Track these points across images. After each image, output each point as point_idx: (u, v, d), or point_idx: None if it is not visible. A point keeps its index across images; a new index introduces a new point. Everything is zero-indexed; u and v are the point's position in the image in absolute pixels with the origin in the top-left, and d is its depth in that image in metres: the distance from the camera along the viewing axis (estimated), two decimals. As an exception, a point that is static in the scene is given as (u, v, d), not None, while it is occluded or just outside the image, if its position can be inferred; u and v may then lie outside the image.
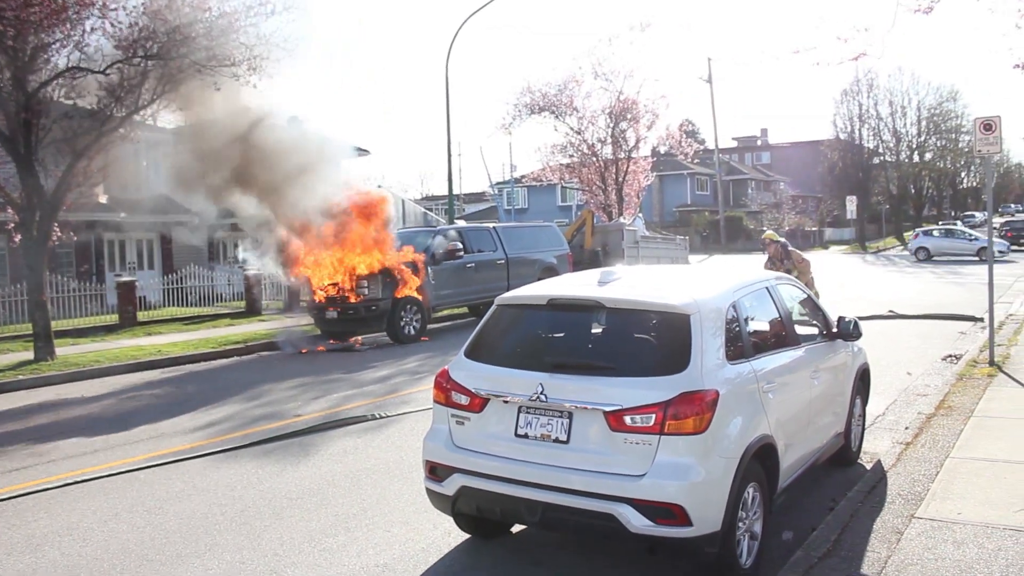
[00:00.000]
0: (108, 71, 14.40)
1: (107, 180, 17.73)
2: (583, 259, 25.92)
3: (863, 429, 8.11)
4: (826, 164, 68.06)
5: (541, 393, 5.04)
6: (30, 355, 15.89)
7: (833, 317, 7.25)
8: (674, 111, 56.81)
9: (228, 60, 14.80)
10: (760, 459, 5.22)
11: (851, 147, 67.21)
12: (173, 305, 24.67)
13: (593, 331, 5.53)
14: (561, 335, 5.75)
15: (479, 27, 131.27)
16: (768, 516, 5.43)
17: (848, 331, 7.10)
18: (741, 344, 5.42)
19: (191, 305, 24.94)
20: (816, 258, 48.46)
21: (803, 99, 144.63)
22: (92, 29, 13.54)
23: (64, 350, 16.62)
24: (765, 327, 6.10)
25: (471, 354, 5.72)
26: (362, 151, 39.89)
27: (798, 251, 12.88)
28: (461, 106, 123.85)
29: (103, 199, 26.62)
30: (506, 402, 5.24)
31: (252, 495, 7.34)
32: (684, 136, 37.01)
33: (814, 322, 7.12)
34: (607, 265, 24.23)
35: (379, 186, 46.91)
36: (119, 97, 14.77)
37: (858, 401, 7.71)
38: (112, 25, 13.60)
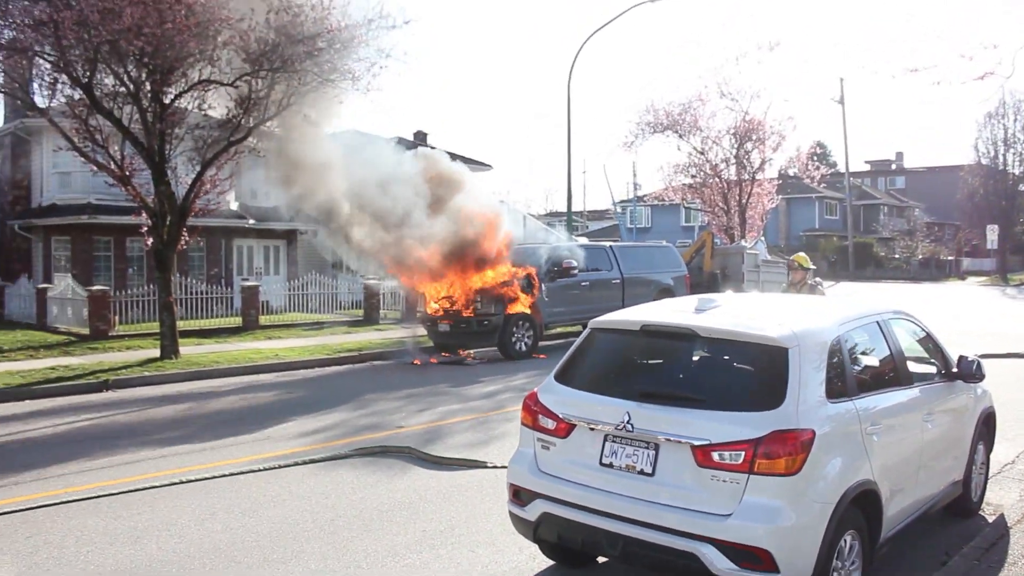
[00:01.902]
0: (236, 83, 15.02)
1: (237, 188, 18.48)
2: (701, 281, 25.36)
3: (986, 478, 7.54)
4: (966, 190, 64.78)
5: (628, 422, 4.88)
6: (157, 353, 16.67)
7: (954, 356, 6.79)
8: (803, 132, 55.41)
9: (350, 73, 15.24)
10: (860, 505, 4.90)
11: (994, 173, 63.80)
12: (295, 311, 25.48)
13: (686, 360, 5.34)
14: (652, 363, 5.58)
15: (606, 41, 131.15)
16: (868, 567, 5.08)
17: (969, 372, 6.61)
18: (844, 382, 5.11)
19: (312, 311, 25.69)
20: (951, 289, 46.28)
21: (942, 122, 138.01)
22: (223, 44, 14.11)
23: (188, 349, 17.37)
24: (872, 364, 5.74)
25: (561, 377, 5.61)
26: (484, 166, 40.41)
27: (823, 288, 12.01)
28: (587, 122, 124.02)
29: (234, 206, 27.83)
30: (592, 429, 5.10)
31: (344, 504, 7.42)
32: (810, 159, 35.85)
33: (932, 361, 6.68)
34: (726, 289, 23.69)
35: (501, 201, 47.35)
36: (247, 108, 15.40)
37: (981, 447, 7.18)
38: (240, 39, 14.15)
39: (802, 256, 11.91)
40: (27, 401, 13.12)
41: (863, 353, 5.67)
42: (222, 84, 15.07)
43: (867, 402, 5.23)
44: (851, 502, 4.75)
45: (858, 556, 4.95)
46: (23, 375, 14.48)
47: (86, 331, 20.08)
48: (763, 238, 36.92)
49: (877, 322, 5.96)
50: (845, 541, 4.80)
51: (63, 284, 22.88)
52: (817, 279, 12.12)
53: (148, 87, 15.01)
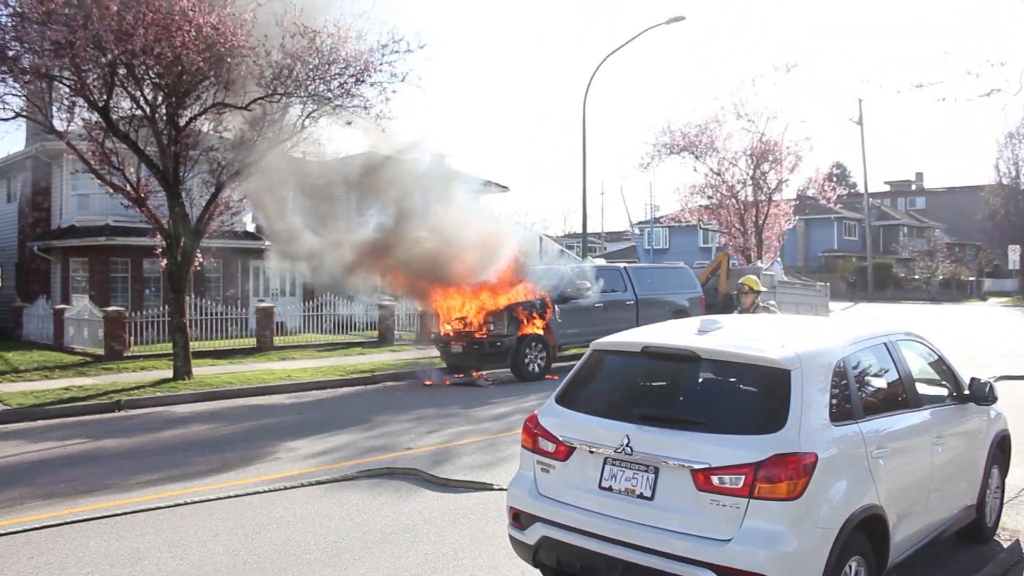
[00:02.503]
0: (250, 106, 15.12)
1: (252, 210, 18.56)
2: (717, 302, 25.22)
3: (1001, 503, 7.37)
4: (987, 210, 64.42)
5: (627, 445, 4.81)
6: (170, 373, 16.70)
7: (966, 378, 6.66)
8: (822, 153, 55.32)
9: (363, 98, 15.32)
10: (866, 531, 4.79)
11: (1015, 193, 63.51)
12: (310, 331, 25.52)
13: (687, 383, 5.25)
14: (653, 385, 5.50)
15: (620, 60, 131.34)
16: (875, 594, 4.97)
17: (982, 394, 6.48)
18: (849, 404, 5.01)
19: (327, 332, 25.72)
20: (972, 310, 45.76)
21: (964, 141, 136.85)
22: (235, 65, 14.18)
23: (202, 370, 17.40)
24: (880, 386, 5.63)
25: (562, 399, 5.55)
26: (501, 187, 40.45)
27: (775, 309, 11.79)
28: (605, 143, 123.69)
29: (251, 227, 27.96)
30: (592, 452, 5.03)
31: (348, 527, 7.35)
32: (826, 181, 35.72)
33: (943, 383, 6.55)
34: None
35: (517, 222, 47.37)
36: (261, 131, 15.49)
37: (995, 471, 7.03)
38: (254, 63, 14.23)
39: (751, 279, 11.86)
40: (40, 421, 13.18)
41: (870, 375, 5.56)
42: (235, 107, 15.16)
43: (873, 425, 5.12)
44: (856, 527, 4.65)
45: (864, 582, 4.84)
46: (37, 395, 14.55)
47: (101, 351, 20.17)
48: (780, 259, 36.75)
49: (885, 344, 5.85)
50: (850, 567, 4.69)
51: (80, 305, 23.02)
52: (771, 302, 12.06)
53: (163, 110, 15.16)
